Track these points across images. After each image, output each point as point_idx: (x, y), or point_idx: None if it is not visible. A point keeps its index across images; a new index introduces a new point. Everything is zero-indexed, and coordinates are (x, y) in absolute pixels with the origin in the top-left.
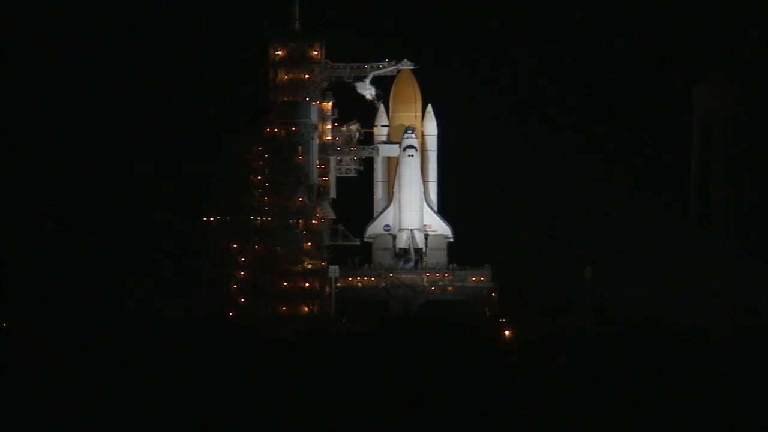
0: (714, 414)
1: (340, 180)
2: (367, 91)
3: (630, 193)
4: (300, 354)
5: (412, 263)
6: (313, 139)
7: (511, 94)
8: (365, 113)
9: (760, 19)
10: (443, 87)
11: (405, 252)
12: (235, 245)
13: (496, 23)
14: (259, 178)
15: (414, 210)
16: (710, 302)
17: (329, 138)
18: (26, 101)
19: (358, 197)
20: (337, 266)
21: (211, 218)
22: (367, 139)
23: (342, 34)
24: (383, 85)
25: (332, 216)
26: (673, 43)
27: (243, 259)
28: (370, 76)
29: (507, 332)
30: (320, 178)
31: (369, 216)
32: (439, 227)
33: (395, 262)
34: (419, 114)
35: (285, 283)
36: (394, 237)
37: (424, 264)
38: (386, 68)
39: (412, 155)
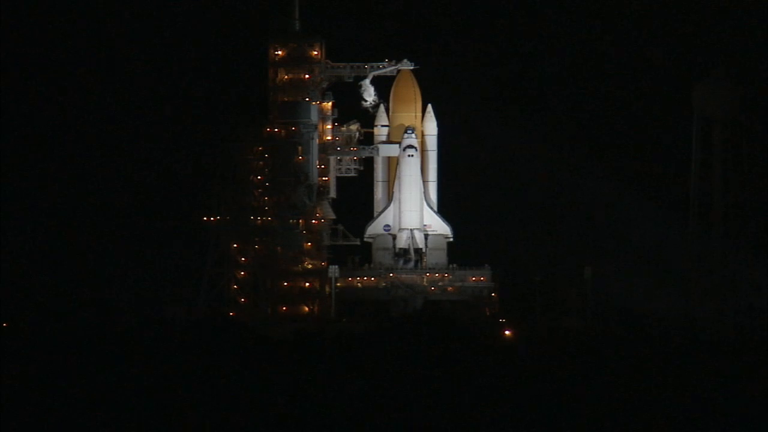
0: (713, 412)
1: (340, 180)
2: (369, 97)
3: (630, 193)
4: (300, 354)
5: (412, 263)
6: (313, 139)
7: (512, 94)
8: (365, 113)
9: (761, 20)
10: (443, 87)
11: (405, 252)
12: (235, 245)
13: (497, 23)
14: (259, 178)
15: (414, 210)
16: (710, 302)
17: (329, 138)
18: (26, 100)
19: (358, 197)
20: (337, 266)
21: (211, 218)
22: (367, 139)
23: (342, 33)
24: (383, 85)
25: (332, 216)
26: (674, 43)
27: (243, 259)
28: (370, 76)
29: (507, 332)
30: (320, 178)
31: (369, 216)
32: (439, 227)
33: (395, 262)
34: (419, 114)
35: (285, 283)
36: (394, 237)
37: (424, 264)
38: (386, 68)
39: (412, 155)
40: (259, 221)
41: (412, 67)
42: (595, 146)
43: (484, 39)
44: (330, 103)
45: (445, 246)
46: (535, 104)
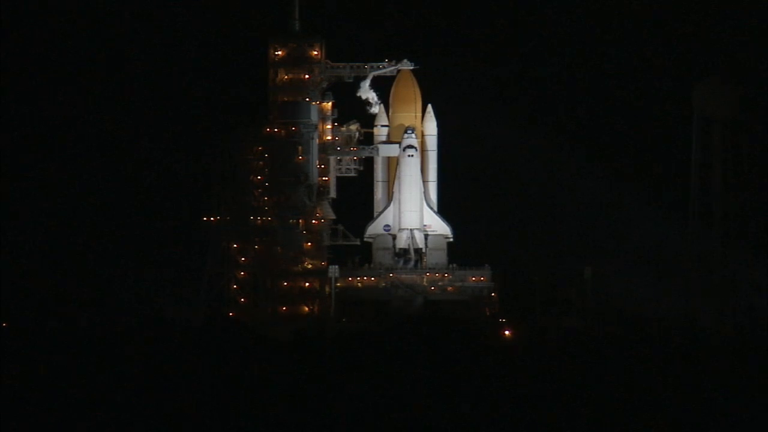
0: (713, 412)
1: (340, 180)
2: (374, 108)
3: (630, 193)
4: (300, 354)
5: (412, 263)
6: (313, 139)
7: (512, 94)
8: (365, 113)
9: (761, 20)
10: (443, 87)
11: (405, 252)
12: (235, 245)
13: (497, 23)
14: (259, 178)
15: (414, 210)
16: (710, 302)
17: (329, 138)
18: (26, 100)
19: (358, 197)
20: (337, 266)
21: (211, 218)
22: (367, 139)
23: (342, 33)
24: (383, 85)
25: (332, 216)
26: (674, 43)
27: (243, 259)
28: (370, 76)
29: (507, 332)
30: (320, 178)
31: (369, 216)
32: (439, 227)
33: (395, 262)
34: (419, 114)
35: (285, 283)
36: (394, 237)
37: (424, 264)
38: (386, 68)
39: (412, 155)
40: (259, 221)
41: (412, 67)
42: (595, 146)
43: (484, 39)
44: (330, 103)
45: (445, 246)
46: (535, 104)
